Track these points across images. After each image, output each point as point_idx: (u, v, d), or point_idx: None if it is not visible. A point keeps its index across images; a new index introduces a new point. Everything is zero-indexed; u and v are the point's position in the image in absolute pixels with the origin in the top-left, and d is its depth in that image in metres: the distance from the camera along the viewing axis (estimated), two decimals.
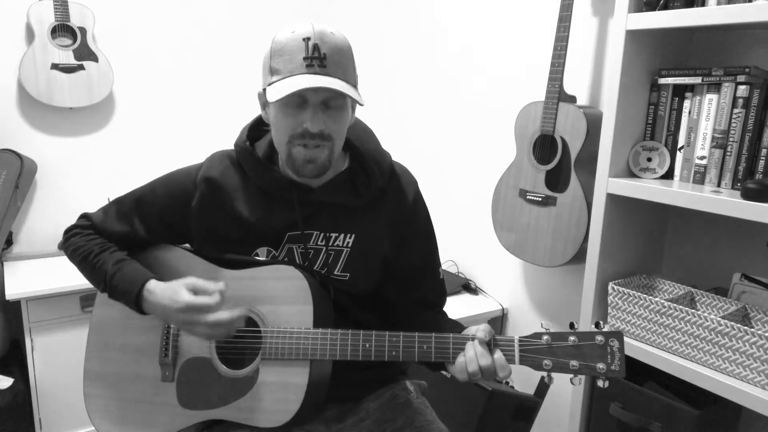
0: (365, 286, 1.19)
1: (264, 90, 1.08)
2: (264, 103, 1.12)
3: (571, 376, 0.99)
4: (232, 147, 1.18)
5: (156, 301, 1.09)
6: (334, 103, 1.05)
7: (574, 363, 0.98)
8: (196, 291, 1.07)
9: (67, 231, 1.25)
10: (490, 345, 1.01)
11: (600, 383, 0.98)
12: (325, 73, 1.01)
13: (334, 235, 1.16)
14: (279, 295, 1.11)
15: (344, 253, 1.16)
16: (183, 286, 1.07)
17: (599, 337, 0.98)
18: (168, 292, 1.08)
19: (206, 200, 1.16)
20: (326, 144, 1.06)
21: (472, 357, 1.00)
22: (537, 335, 1.01)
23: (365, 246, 1.17)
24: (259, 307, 1.12)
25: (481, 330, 1.02)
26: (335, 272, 1.16)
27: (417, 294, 1.24)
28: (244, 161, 1.16)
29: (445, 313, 1.27)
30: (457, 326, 1.15)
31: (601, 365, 0.97)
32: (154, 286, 1.11)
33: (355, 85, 1.07)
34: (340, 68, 1.03)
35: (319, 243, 1.15)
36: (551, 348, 0.99)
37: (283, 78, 1.02)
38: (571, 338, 0.99)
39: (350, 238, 1.16)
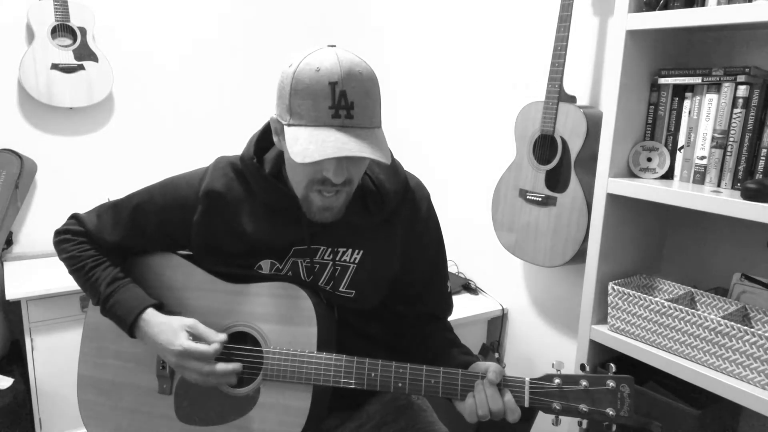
0: (371, 302, 1.17)
1: (279, 121, 1.00)
2: (277, 130, 1.03)
3: (579, 419, 0.99)
4: (237, 155, 1.14)
5: (152, 335, 1.08)
6: None
7: (583, 407, 0.97)
8: (195, 335, 1.06)
9: (58, 233, 1.21)
10: (500, 386, 0.99)
11: (606, 426, 0.97)
12: (352, 124, 0.93)
13: (341, 249, 1.12)
14: (282, 314, 1.07)
15: (350, 269, 1.12)
16: (183, 329, 1.06)
17: (611, 383, 0.97)
18: (167, 332, 1.06)
19: (209, 214, 1.11)
20: (344, 189, 1.02)
21: (482, 401, 0.98)
22: (548, 377, 0.99)
23: (373, 263, 1.13)
24: (261, 324, 1.09)
25: (491, 371, 0.99)
26: (340, 288, 1.12)
27: (424, 308, 1.22)
28: (251, 177, 1.10)
29: (449, 326, 1.25)
30: (466, 353, 1.13)
31: (610, 410, 0.96)
32: (150, 317, 1.09)
33: (380, 124, 1.00)
34: (366, 114, 0.95)
35: (325, 258, 1.12)
36: (562, 391, 0.98)
37: (306, 126, 0.94)
38: (583, 382, 0.98)
39: (357, 254, 1.12)
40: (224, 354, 1.09)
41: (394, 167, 1.15)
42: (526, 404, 0.99)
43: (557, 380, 0.99)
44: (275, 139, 1.05)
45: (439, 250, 1.23)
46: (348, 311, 1.15)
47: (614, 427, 0.97)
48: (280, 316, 1.07)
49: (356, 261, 1.12)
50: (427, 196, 1.20)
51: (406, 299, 1.21)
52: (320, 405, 1.08)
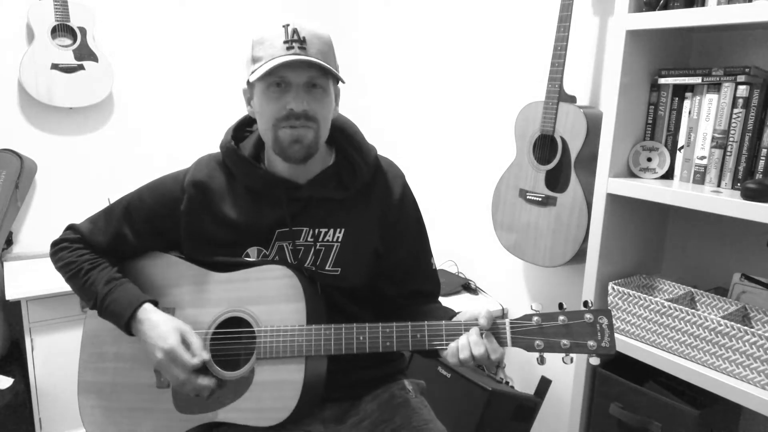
0: (356, 280, 1.19)
1: (248, 82, 1.10)
2: (249, 98, 1.14)
3: (563, 355, 1.00)
4: (218, 150, 1.20)
5: (145, 330, 1.11)
6: (316, 82, 1.07)
7: (565, 342, 0.99)
8: (184, 340, 1.09)
9: (55, 244, 1.24)
10: (482, 332, 1.02)
11: (592, 361, 0.99)
12: (305, 54, 1.04)
13: (323, 230, 1.16)
14: (270, 294, 1.11)
15: (334, 248, 1.16)
16: (177, 331, 1.09)
17: (588, 315, 1.00)
18: (161, 328, 1.10)
19: (194, 204, 1.16)
20: (311, 125, 1.08)
21: (464, 344, 1.01)
22: (527, 317, 1.02)
23: (355, 240, 1.17)
24: (252, 307, 1.12)
25: (482, 317, 1.02)
26: (326, 268, 1.16)
27: (411, 286, 1.25)
28: (230, 161, 1.17)
29: (440, 303, 1.27)
30: (452, 314, 1.15)
31: (591, 342, 0.99)
32: (146, 313, 1.12)
33: (336, 69, 1.09)
34: (320, 52, 1.06)
35: (308, 239, 1.16)
36: (542, 328, 1.01)
37: (264, 63, 1.05)
38: (561, 318, 1.00)
39: (339, 233, 1.17)
40: (218, 340, 1.13)
41: (365, 145, 1.21)
42: (509, 344, 1.01)
43: (536, 318, 1.01)
44: (248, 108, 1.15)
45: (419, 227, 1.27)
46: (335, 291, 1.17)
47: (597, 360, 0.99)
48: (269, 296, 1.11)
49: (339, 240, 1.17)
50: (401, 175, 1.25)
51: (394, 280, 1.23)
52: (315, 379, 1.10)
